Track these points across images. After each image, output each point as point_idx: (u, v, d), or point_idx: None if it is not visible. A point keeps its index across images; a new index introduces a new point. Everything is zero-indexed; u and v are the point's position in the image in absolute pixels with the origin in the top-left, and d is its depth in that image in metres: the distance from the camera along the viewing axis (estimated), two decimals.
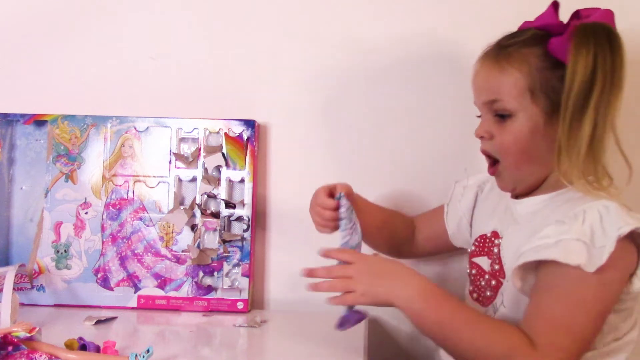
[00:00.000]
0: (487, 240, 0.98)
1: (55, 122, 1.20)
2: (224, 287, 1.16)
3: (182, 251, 1.18)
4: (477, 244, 1.00)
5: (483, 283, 0.97)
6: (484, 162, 0.97)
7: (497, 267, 0.94)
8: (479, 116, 0.95)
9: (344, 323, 0.92)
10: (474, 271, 1.00)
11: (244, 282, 1.16)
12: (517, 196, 0.95)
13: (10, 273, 0.98)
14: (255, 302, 1.21)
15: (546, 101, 0.87)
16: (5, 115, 1.20)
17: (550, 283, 0.83)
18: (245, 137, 1.18)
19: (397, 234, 1.13)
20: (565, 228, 0.82)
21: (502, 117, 0.89)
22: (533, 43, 0.89)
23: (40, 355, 0.81)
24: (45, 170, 1.20)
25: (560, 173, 0.85)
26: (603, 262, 0.80)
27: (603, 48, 0.83)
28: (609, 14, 0.87)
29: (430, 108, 1.20)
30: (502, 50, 0.90)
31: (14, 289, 0.96)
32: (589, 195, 0.84)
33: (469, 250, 1.02)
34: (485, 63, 0.92)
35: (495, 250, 0.95)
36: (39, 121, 1.20)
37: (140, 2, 1.25)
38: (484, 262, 0.97)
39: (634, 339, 0.90)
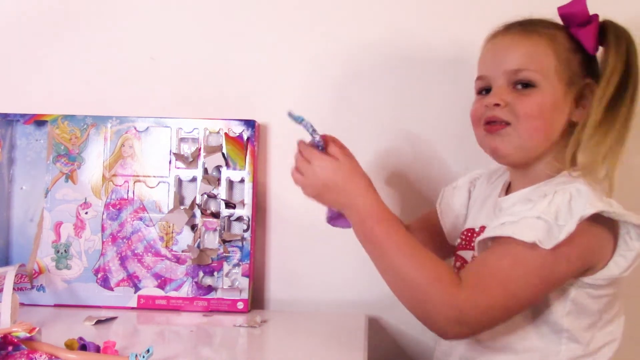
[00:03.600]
0: (475, 235, 0.97)
1: (55, 122, 1.20)
2: (224, 287, 1.16)
3: (182, 251, 1.18)
4: (463, 237, 1.00)
5: None
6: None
7: None
8: (481, 91, 0.94)
9: (334, 218, 0.96)
10: (458, 264, 0.99)
11: (244, 282, 1.16)
12: (506, 192, 0.96)
13: (10, 273, 0.98)
14: (255, 302, 1.21)
15: (567, 80, 0.89)
16: (5, 115, 1.20)
17: (500, 247, 0.83)
18: (245, 137, 1.18)
19: None
20: (530, 206, 0.82)
21: (525, 86, 0.89)
22: (558, 26, 0.92)
23: (40, 355, 0.81)
24: (45, 170, 1.20)
25: (568, 152, 0.86)
26: (560, 240, 0.79)
27: (632, 45, 0.89)
28: None
29: (432, 107, 1.20)
30: (529, 26, 0.91)
31: (14, 289, 0.96)
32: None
33: (456, 243, 1.02)
34: (511, 33, 0.92)
35: None
36: (39, 121, 1.20)
37: (141, 2, 1.25)
38: (468, 256, 0.97)
39: (618, 336, 0.89)
